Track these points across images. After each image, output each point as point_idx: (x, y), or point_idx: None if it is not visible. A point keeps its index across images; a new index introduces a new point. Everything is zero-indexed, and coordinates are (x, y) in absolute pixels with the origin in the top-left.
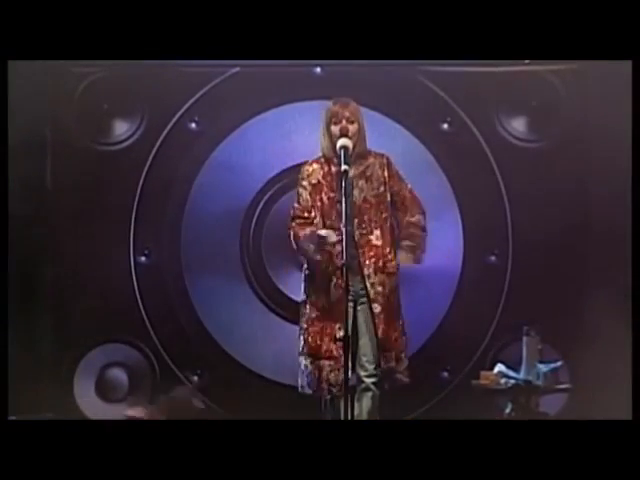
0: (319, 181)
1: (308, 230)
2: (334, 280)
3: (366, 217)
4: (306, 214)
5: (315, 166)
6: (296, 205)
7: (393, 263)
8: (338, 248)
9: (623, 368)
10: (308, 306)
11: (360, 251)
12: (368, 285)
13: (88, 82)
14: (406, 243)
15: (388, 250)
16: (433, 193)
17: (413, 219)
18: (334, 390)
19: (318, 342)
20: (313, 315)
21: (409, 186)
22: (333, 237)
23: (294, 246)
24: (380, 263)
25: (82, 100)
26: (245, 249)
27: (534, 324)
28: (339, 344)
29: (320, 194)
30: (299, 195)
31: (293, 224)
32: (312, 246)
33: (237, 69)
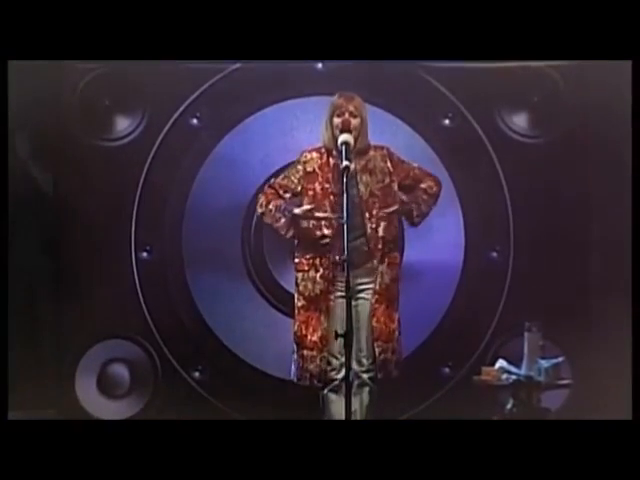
0: (314, 170)
1: (281, 202)
2: (321, 271)
3: (374, 211)
4: (281, 192)
5: (314, 155)
6: (279, 180)
7: (395, 254)
8: (327, 240)
9: (623, 366)
10: (296, 295)
11: (370, 244)
12: (376, 277)
13: (89, 78)
14: (408, 207)
15: (391, 240)
16: None
17: (423, 185)
18: (315, 381)
19: (303, 332)
20: (299, 304)
21: (415, 165)
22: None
23: (258, 210)
24: (383, 253)
25: (83, 96)
26: (247, 245)
27: (535, 320)
28: (322, 335)
29: (314, 183)
30: (287, 175)
31: (267, 190)
32: (283, 220)
33: (238, 65)
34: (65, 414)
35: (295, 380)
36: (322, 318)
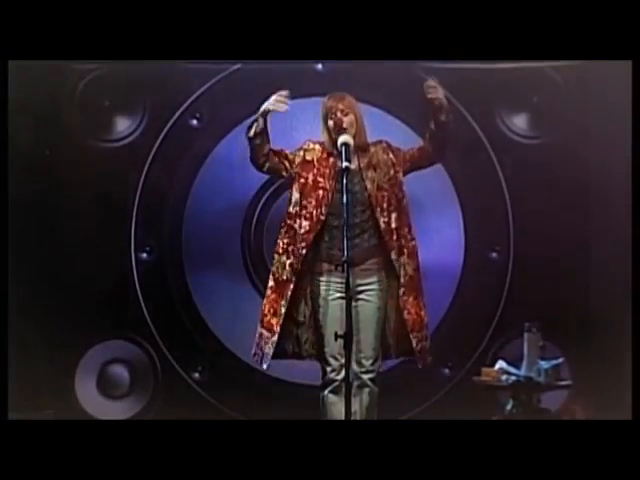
0: (313, 160)
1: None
2: (291, 259)
3: (385, 204)
4: (282, 152)
5: (317, 147)
6: (283, 149)
7: (413, 243)
8: (303, 231)
9: (623, 366)
10: (270, 275)
11: (385, 238)
12: (396, 269)
13: (89, 79)
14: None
15: (407, 230)
16: (434, 189)
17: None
18: (263, 362)
19: (265, 311)
20: (269, 284)
21: (406, 149)
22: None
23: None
24: (401, 244)
25: (83, 97)
26: (246, 245)
27: (535, 321)
28: (278, 321)
29: (308, 173)
30: (290, 152)
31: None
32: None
33: (238, 65)
34: (65, 414)
35: (252, 355)
36: (282, 302)
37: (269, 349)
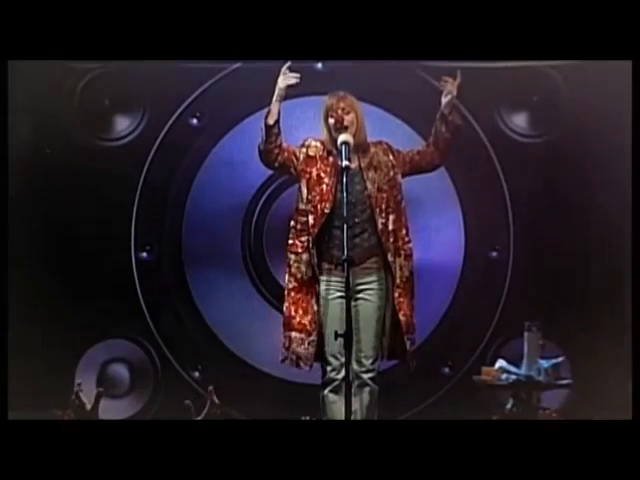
0: (315, 156)
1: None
2: (309, 254)
3: (383, 205)
4: (290, 147)
5: (318, 144)
6: (290, 144)
7: (409, 245)
8: (310, 224)
9: (623, 366)
10: (287, 277)
11: (382, 239)
12: (392, 270)
13: (89, 78)
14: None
15: (404, 232)
16: (434, 189)
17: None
18: (301, 364)
19: (292, 314)
20: (290, 286)
21: (406, 151)
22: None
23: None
24: (397, 246)
25: (83, 96)
26: (246, 244)
27: (535, 320)
28: (312, 318)
29: (312, 168)
30: (296, 147)
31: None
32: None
33: (239, 64)
34: (65, 414)
35: (280, 361)
36: (313, 301)
37: (305, 349)
